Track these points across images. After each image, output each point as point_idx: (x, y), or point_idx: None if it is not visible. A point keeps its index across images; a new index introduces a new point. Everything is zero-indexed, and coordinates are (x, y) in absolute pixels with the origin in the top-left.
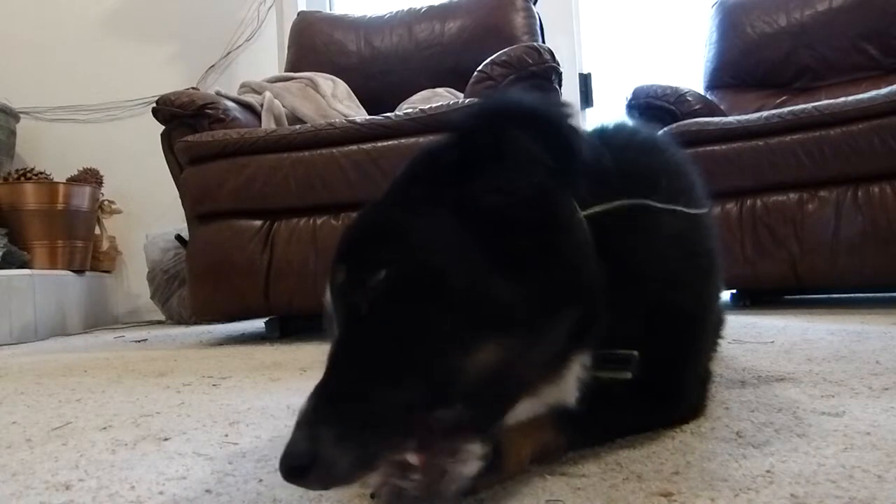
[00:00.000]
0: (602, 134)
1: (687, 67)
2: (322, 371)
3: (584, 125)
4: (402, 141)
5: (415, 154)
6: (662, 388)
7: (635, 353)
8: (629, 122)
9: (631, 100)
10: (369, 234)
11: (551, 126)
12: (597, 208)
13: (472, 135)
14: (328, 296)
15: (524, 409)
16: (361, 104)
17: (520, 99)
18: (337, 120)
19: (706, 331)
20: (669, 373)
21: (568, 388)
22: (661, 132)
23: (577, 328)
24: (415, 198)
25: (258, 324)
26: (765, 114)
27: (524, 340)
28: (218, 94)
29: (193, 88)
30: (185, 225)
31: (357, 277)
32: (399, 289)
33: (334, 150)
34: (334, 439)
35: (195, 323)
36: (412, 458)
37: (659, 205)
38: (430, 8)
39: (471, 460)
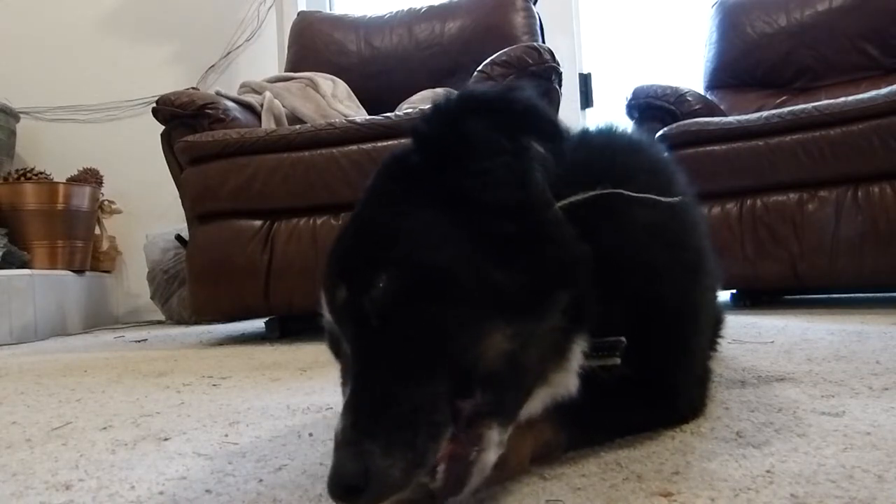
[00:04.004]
0: (585, 135)
1: (687, 67)
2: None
3: (583, 124)
4: (402, 141)
5: (383, 161)
6: (656, 385)
7: (622, 338)
8: (614, 124)
9: (631, 100)
10: (360, 245)
11: (504, 111)
12: (572, 198)
13: (432, 136)
14: (329, 316)
15: (539, 399)
16: (361, 104)
17: (471, 91)
18: (337, 120)
19: (697, 327)
20: (661, 369)
21: (573, 374)
22: (647, 133)
23: (572, 311)
24: (395, 200)
25: (258, 324)
26: (765, 114)
27: (526, 323)
28: (218, 94)
29: (193, 88)
30: (185, 225)
31: (359, 293)
32: (402, 293)
33: (334, 150)
34: (382, 449)
35: (195, 323)
36: None
37: (632, 194)
38: (430, 8)
39: (491, 448)
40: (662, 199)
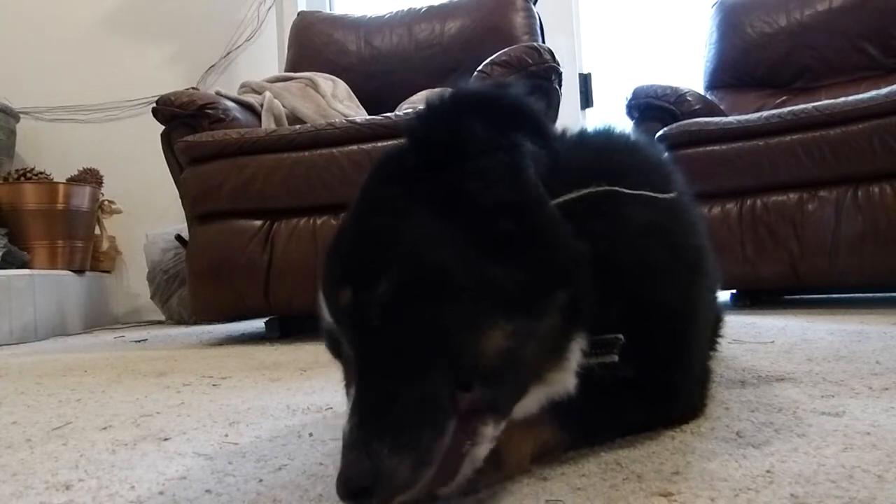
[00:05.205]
0: (582, 135)
1: (687, 67)
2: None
3: (583, 124)
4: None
5: (377, 161)
6: (656, 385)
7: (620, 336)
8: (612, 125)
9: (631, 100)
10: (360, 247)
11: (496, 108)
12: (566, 196)
13: (428, 136)
14: (329, 318)
15: (535, 398)
16: (361, 104)
17: (464, 90)
18: (337, 120)
19: (696, 326)
20: (661, 369)
21: (571, 373)
22: (646, 134)
23: (570, 309)
24: (392, 201)
25: (258, 324)
26: (765, 114)
27: (525, 321)
28: (218, 94)
29: (193, 88)
30: (185, 225)
31: (362, 294)
32: (403, 293)
33: (334, 150)
34: (389, 449)
35: (195, 323)
36: None
37: (626, 191)
38: (430, 8)
39: (484, 442)
40: (657, 195)
